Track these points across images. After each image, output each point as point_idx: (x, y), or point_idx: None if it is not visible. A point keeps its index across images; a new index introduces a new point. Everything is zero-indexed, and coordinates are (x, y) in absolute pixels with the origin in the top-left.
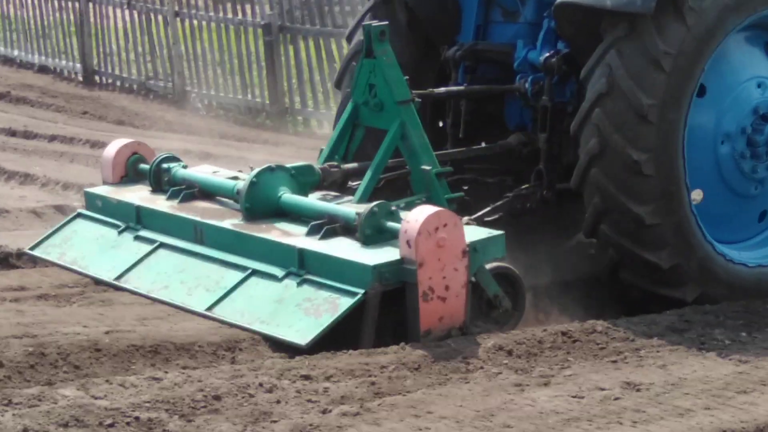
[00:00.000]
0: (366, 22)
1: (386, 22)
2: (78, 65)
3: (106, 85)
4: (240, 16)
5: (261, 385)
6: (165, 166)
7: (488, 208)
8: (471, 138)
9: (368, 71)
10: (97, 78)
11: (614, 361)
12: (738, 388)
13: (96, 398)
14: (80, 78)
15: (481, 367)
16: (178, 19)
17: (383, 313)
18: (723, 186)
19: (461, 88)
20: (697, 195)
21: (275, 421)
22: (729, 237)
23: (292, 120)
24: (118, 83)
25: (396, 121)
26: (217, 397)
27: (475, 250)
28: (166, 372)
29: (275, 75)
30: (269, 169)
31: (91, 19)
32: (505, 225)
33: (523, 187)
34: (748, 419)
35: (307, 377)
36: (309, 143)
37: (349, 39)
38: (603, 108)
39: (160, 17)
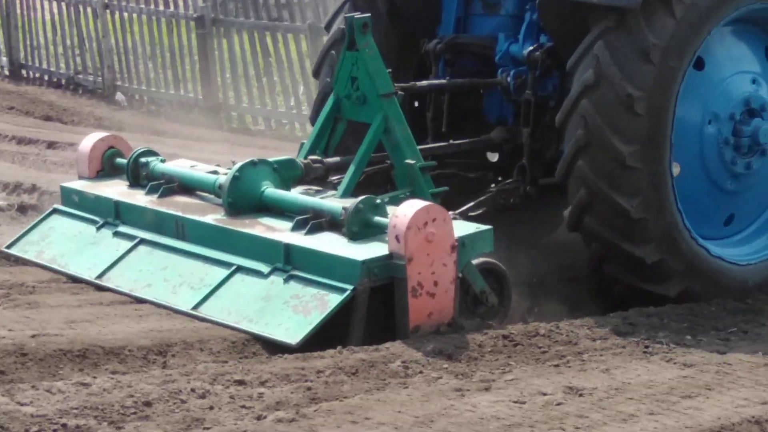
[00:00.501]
0: (346, 12)
1: (368, 14)
2: (4, 59)
3: (34, 80)
4: (172, 8)
5: (193, 390)
6: (143, 160)
7: (472, 203)
8: (451, 132)
9: (350, 64)
10: (23, 72)
11: (557, 365)
12: (683, 392)
13: (22, 405)
14: (6, 72)
15: (421, 372)
16: (107, 11)
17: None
18: (702, 169)
19: (444, 81)
20: (675, 168)
21: (208, 428)
22: (709, 232)
23: (227, 116)
24: (46, 77)
25: (379, 115)
26: (148, 403)
27: (463, 245)
28: (95, 377)
29: (208, 69)
30: (252, 164)
31: (18, 11)
32: (486, 220)
33: (507, 182)
34: (692, 424)
35: (241, 382)
36: (244, 140)
37: (327, 28)
38: (590, 99)
39: (89, 9)
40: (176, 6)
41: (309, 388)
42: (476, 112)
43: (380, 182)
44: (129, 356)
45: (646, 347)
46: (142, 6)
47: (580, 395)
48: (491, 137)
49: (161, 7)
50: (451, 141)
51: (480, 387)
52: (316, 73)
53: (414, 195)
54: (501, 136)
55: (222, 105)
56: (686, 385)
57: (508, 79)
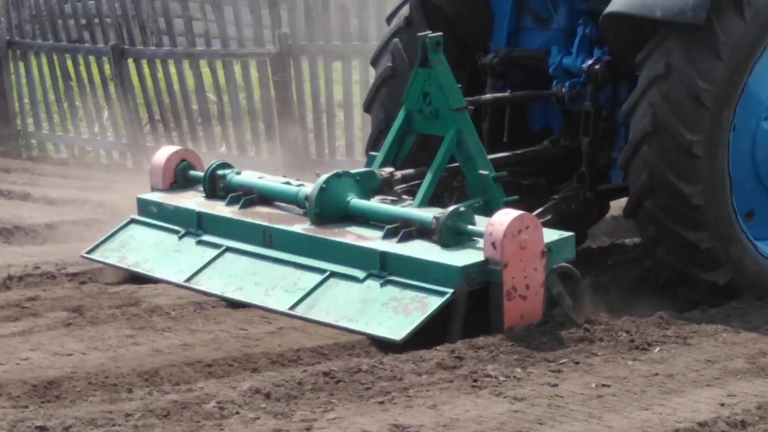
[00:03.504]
0: (391, 47)
1: (440, 33)
2: None
3: None
4: None
5: None
6: (220, 172)
7: (539, 210)
8: (498, 142)
9: (423, 80)
10: None
11: (381, 402)
12: (513, 427)
13: None
14: None
15: (237, 413)
16: None
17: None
18: (753, 171)
19: (507, 94)
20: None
21: None
22: (757, 232)
23: (26, 144)
24: None
25: (452, 128)
26: None
27: (550, 250)
28: None
29: (5, 95)
30: (336, 176)
31: None
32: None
33: (568, 189)
34: None
35: (43, 429)
36: (45, 169)
37: (373, 64)
38: (659, 88)
39: None
40: None
41: None
42: (522, 122)
43: (438, 192)
44: None
45: (475, 381)
46: None
47: None
48: (548, 146)
49: None
50: (514, 152)
51: (301, 427)
52: (368, 109)
53: (488, 204)
54: (555, 145)
55: (21, 132)
56: (517, 420)
57: (563, 90)
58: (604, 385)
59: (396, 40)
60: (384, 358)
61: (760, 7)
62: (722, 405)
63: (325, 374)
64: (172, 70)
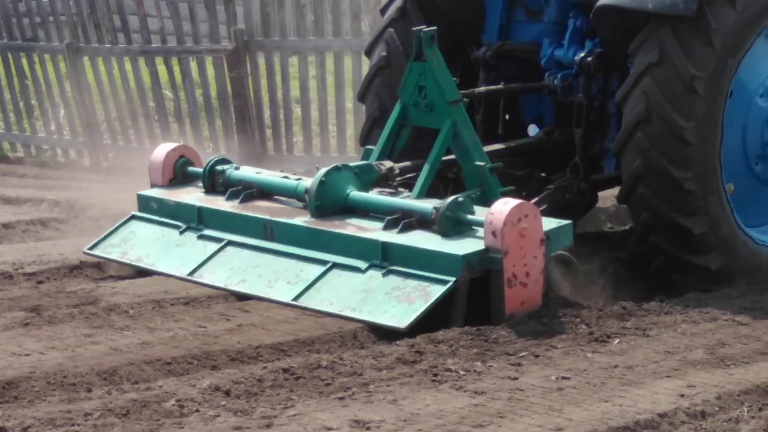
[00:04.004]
0: (386, 37)
1: (434, 28)
2: None
3: None
4: None
5: None
6: (219, 168)
7: (535, 199)
8: (491, 134)
9: (418, 74)
10: None
11: (341, 398)
12: (474, 421)
13: None
14: None
15: (197, 410)
16: None
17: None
18: (744, 157)
19: (500, 86)
20: (729, 186)
21: None
22: (747, 219)
23: None
24: None
25: (448, 121)
26: None
27: (548, 238)
28: None
29: None
30: (336, 169)
31: None
32: None
33: (563, 179)
34: None
35: (1, 429)
36: (1, 168)
37: (368, 54)
38: (653, 76)
39: None
40: None
41: None
42: (514, 114)
43: (433, 184)
44: None
45: (435, 375)
46: None
47: (367, 428)
48: (541, 137)
49: None
50: (508, 143)
51: (261, 424)
52: (362, 99)
53: (484, 195)
54: (548, 136)
55: None
56: (477, 413)
57: (555, 82)
58: (564, 378)
59: (391, 30)
60: (344, 354)
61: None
62: (682, 396)
63: (285, 370)
64: (128, 67)
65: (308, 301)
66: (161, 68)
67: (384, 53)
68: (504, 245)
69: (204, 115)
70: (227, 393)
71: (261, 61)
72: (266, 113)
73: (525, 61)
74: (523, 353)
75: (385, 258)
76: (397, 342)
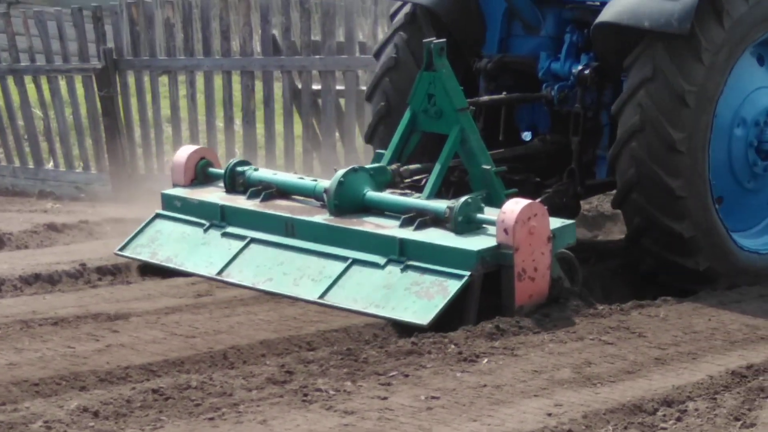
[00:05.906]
0: (395, 39)
1: (444, 39)
2: None
3: None
4: None
5: None
6: (239, 169)
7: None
8: (490, 140)
9: (428, 82)
10: None
11: (211, 419)
12: None
13: None
14: None
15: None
16: None
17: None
18: (729, 166)
19: (502, 96)
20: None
21: None
22: (732, 225)
23: None
24: None
25: (456, 127)
26: None
27: (554, 236)
28: None
29: None
30: (353, 170)
31: None
32: None
33: (560, 183)
34: None
35: None
36: None
37: (376, 56)
38: (647, 89)
39: None
40: None
41: None
42: (509, 122)
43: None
44: None
45: (305, 395)
46: None
47: None
48: (537, 143)
49: None
50: (509, 149)
51: None
52: (369, 98)
53: (490, 196)
54: (544, 143)
55: None
56: None
57: (552, 92)
58: (433, 397)
59: (401, 33)
60: (214, 374)
61: (738, 17)
62: (549, 415)
63: (154, 391)
64: None
65: (333, 298)
66: (30, 87)
67: (393, 54)
68: (515, 242)
69: (74, 134)
70: (96, 414)
71: (131, 79)
72: (137, 132)
73: (522, 73)
74: (393, 373)
75: (402, 253)
76: (267, 362)
